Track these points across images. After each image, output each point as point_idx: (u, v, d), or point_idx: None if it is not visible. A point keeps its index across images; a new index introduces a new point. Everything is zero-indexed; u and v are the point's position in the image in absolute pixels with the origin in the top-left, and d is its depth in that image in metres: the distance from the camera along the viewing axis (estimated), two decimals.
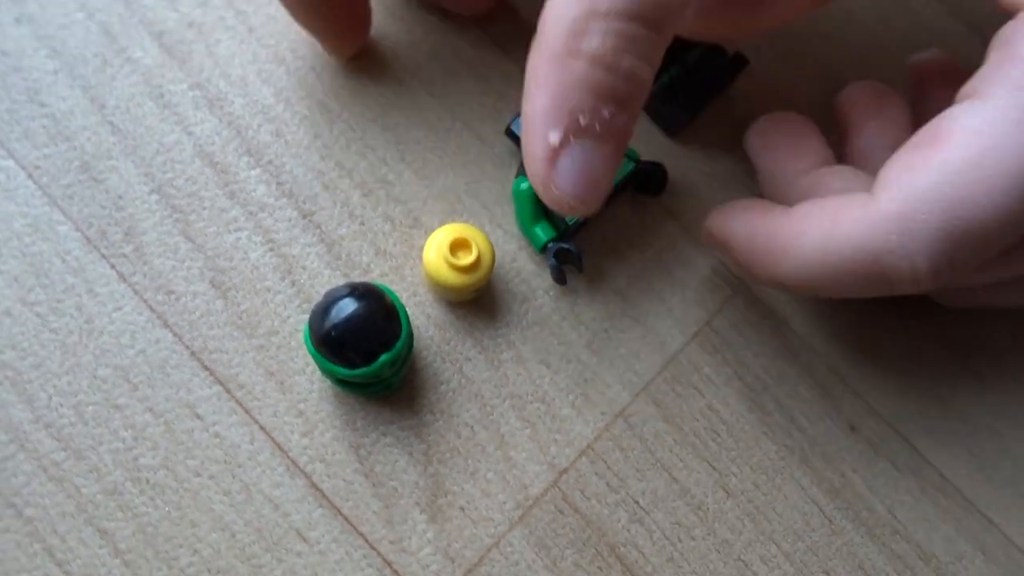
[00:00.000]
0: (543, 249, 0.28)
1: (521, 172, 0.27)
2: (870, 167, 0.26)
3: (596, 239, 0.29)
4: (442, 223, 0.28)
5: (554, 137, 0.21)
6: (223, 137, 0.29)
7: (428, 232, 0.28)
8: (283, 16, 0.30)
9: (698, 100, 0.29)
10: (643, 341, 0.28)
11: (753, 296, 0.29)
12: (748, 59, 0.29)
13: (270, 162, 0.29)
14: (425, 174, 0.29)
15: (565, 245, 0.27)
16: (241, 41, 0.29)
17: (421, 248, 0.28)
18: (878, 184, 0.22)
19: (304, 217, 0.28)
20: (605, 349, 0.28)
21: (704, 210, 0.28)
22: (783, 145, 0.27)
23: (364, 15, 0.28)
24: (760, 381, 0.29)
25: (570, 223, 0.27)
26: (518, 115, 0.27)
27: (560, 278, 0.28)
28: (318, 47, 0.29)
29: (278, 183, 0.28)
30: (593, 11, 0.20)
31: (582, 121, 0.21)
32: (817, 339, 0.29)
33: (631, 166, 0.28)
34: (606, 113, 0.21)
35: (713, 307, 0.29)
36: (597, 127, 0.21)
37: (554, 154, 0.21)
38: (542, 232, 0.27)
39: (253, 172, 0.28)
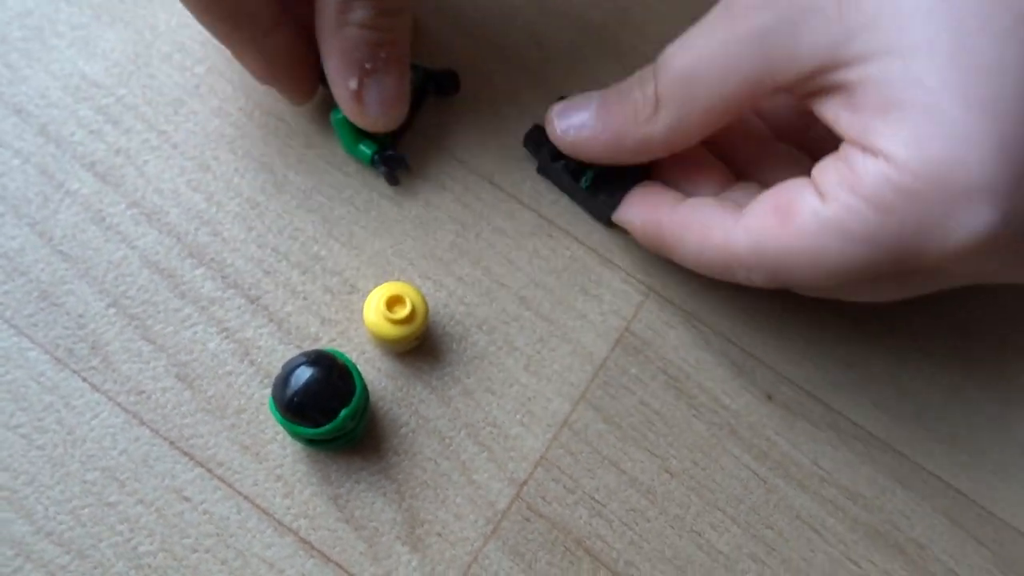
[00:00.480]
0: (372, 161, 0.32)
1: (335, 105, 0.31)
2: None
3: (519, 274, 0.32)
4: (376, 285, 0.31)
5: (352, 84, 0.29)
6: (165, 245, 0.32)
7: (365, 295, 0.31)
8: (202, 128, 0.33)
9: (619, 188, 0.32)
10: (572, 355, 0.32)
11: (662, 299, 0.33)
12: None
13: (212, 260, 0.32)
14: (353, 244, 0.32)
15: (389, 152, 0.32)
16: (167, 158, 0.33)
17: (361, 310, 0.31)
18: (745, 219, 0.27)
19: (252, 303, 0.31)
20: (540, 369, 0.32)
21: (604, 230, 0.32)
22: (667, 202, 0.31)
23: (313, 67, 0.31)
24: (682, 371, 0.32)
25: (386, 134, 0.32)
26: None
27: (393, 180, 0.33)
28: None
29: (223, 277, 0.31)
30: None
31: (367, 66, 0.29)
32: (724, 325, 0.33)
33: (419, 74, 0.33)
34: (382, 55, 0.29)
35: (628, 314, 0.33)
36: (379, 65, 0.29)
37: (357, 95, 0.30)
38: (366, 148, 0.32)
39: (198, 271, 0.31)
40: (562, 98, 0.32)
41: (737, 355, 0.33)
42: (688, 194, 0.31)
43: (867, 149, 0.24)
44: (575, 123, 0.31)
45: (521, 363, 0.32)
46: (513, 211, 0.34)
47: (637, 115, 0.29)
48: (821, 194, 0.25)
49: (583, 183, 0.32)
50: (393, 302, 0.29)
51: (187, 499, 0.29)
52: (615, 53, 0.36)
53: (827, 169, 0.25)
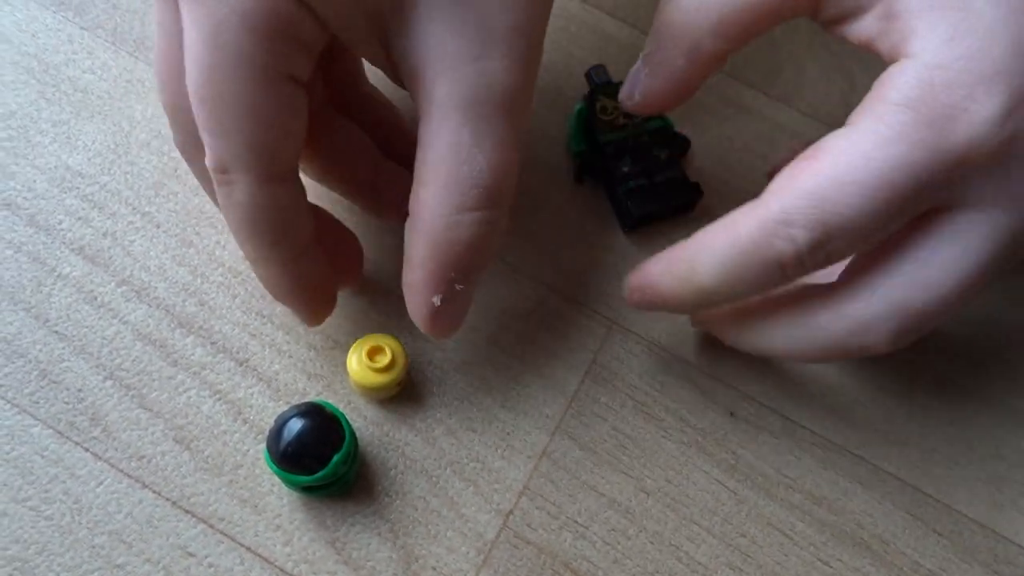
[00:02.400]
0: (574, 154, 0.37)
1: (582, 99, 0.37)
2: None
3: (491, 319, 0.35)
4: (356, 338, 0.33)
5: (436, 300, 0.28)
6: (155, 318, 0.34)
7: (347, 348, 0.33)
8: (182, 207, 0.35)
9: (650, 200, 0.35)
10: (545, 390, 0.34)
11: (624, 330, 0.35)
12: (702, 190, 0.36)
13: (201, 328, 0.34)
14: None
15: (588, 156, 0.37)
16: (152, 237, 0.35)
17: (344, 363, 0.33)
18: (767, 191, 0.27)
19: (240, 365, 0.33)
20: (517, 404, 0.34)
21: (565, 272, 0.35)
22: None
23: (332, 295, 0.32)
24: (648, 396, 0.34)
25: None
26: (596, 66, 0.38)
27: (579, 177, 0.37)
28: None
29: (212, 343, 0.33)
30: (461, 206, 0.27)
31: (457, 287, 0.28)
32: (684, 350, 0.35)
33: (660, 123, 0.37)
34: (473, 276, 0.28)
35: (594, 346, 0.35)
36: (467, 287, 0.28)
37: (436, 311, 0.28)
38: (576, 144, 0.37)
39: (188, 340, 0.33)
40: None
41: (698, 377, 0.35)
42: None
43: (902, 55, 0.26)
44: (631, 78, 0.32)
45: (498, 401, 0.34)
46: None
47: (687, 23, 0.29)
48: (849, 125, 0.26)
49: (621, 188, 0.36)
50: (374, 352, 0.32)
51: (192, 555, 0.31)
52: None
53: (854, 112, 0.26)
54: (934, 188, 0.25)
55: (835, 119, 0.39)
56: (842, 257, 0.27)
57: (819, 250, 0.26)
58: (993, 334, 0.37)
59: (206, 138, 0.26)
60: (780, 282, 0.27)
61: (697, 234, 0.29)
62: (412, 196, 0.28)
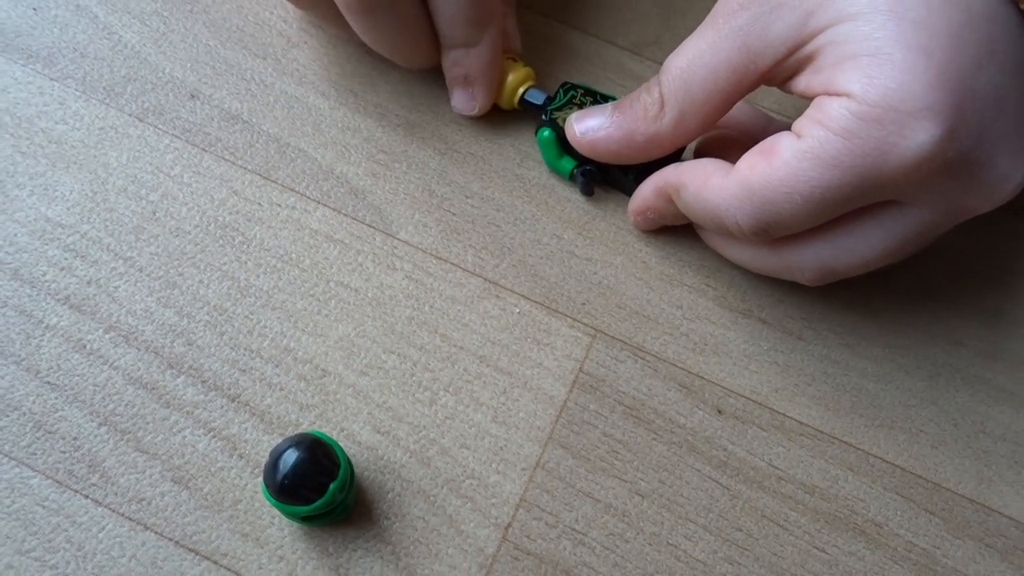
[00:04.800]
0: (571, 175, 0.38)
1: (542, 124, 0.37)
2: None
3: (475, 335, 0.35)
4: (345, 367, 0.33)
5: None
6: (145, 361, 0.34)
7: (336, 376, 0.33)
8: (163, 249, 0.36)
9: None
10: (536, 401, 0.35)
11: (608, 337, 0.36)
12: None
13: (191, 367, 0.34)
14: (319, 333, 0.35)
15: (588, 167, 0.37)
16: (135, 281, 0.35)
17: (335, 392, 0.33)
18: (736, 167, 0.32)
19: (232, 401, 0.34)
20: (508, 418, 0.34)
21: (548, 282, 0.35)
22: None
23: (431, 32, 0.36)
24: (636, 400, 0.35)
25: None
26: (531, 87, 0.38)
27: (588, 191, 0.38)
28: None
29: (203, 382, 0.34)
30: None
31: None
32: (669, 351, 0.36)
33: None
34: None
35: (580, 355, 0.35)
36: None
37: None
38: (566, 163, 0.38)
39: (179, 380, 0.34)
40: None
41: (684, 377, 0.35)
42: None
43: (832, 93, 0.29)
44: (592, 126, 0.35)
45: (489, 416, 0.34)
46: (460, 279, 0.36)
47: (646, 114, 0.34)
48: (798, 134, 0.30)
49: (630, 176, 0.37)
50: None
51: None
52: None
53: (803, 118, 0.30)
54: (864, 200, 0.30)
55: None
56: (787, 234, 0.32)
57: (761, 234, 0.31)
58: (968, 313, 0.38)
59: None
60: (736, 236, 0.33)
61: (682, 169, 0.34)
62: None
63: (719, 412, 0.35)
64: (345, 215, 0.37)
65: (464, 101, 0.38)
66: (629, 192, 0.38)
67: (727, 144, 0.36)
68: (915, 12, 0.28)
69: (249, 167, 0.38)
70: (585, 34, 0.42)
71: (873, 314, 0.37)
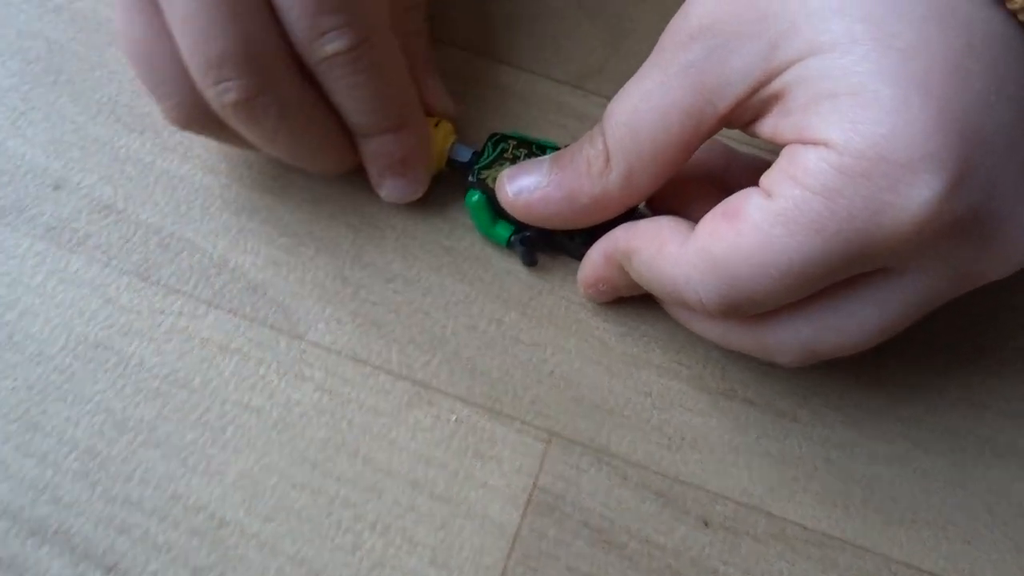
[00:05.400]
0: (508, 243, 0.32)
1: (470, 186, 0.31)
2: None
3: (404, 455, 0.29)
4: (247, 511, 0.27)
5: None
6: (1, 529, 0.28)
7: (237, 525, 0.27)
8: (23, 382, 0.29)
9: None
10: (482, 533, 0.28)
11: (566, 440, 0.30)
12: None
13: (56, 532, 0.28)
14: (213, 471, 0.29)
15: (527, 233, 0.31)
16: None
17: (235, 546, 0.27)
18: (695, 233, 0.26)
19: (109, 572, 0.27)
20: (449, 559, 0.28)
21: (488, 380, 0.29)
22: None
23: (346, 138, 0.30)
24: (604, 518, 0.29)
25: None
26: (455, 142, 0.32)
27: (530, 260, 0.32)
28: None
29: (71, 550, 0.28)
30: None
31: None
32: (639, 452, 0.30)
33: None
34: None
35: (533, 468, 0.29)
36: None
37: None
38: (502, 230, 0.32)
39: (43, 551, 0.28)
40: None
41: (659, 483, 0.29)
42: None
43: (806, 142, 0.24)
44: (527, 185, 0.30)
45: (426, 559, 0.28)
46: (383, 385, 0.30)
47: (590, 170, 0.28)
48: (767, 193, 0.24)
49: (577, 240, 0.31)
50: None
51: None
52: None
53: (771, 171, 0.25)
54: (853, 270, 0.24)
55: None
56: (742, 313, 0.26)
57: (728, 313, 0.26)
58: (989, 368, 0.32)
59: None
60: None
61: (634, 228, 0.28)
62: None
63: (705, 524, 0.29)
64: (242, 317, 0.31)
65: (402, 189, 0.32)
66: (578, 257, 0.32)
67: (681, 189, 0.30)
68: (903, 39, 0.22)
69: (125, 267, 0.32)
70: (514, 68, 0.36)
71: (877, 381, 0.31)
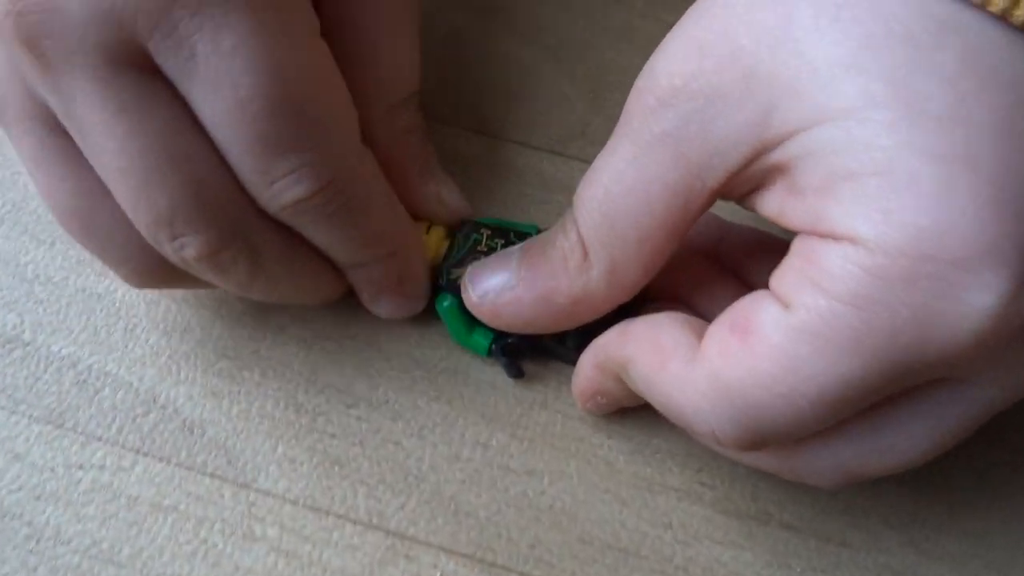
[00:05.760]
0: (489, 352, 0.27)
1: (439, 290, 0.27)
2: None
3: None
4: None
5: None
6: None
7: None
8: None
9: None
10: None
11: None
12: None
13: None
14: None
15: (510, 339, 0.27)
16: None
17: None
18: (701, 350, 0.22)
19: None
20: None
21: (472, 525, 0.24)
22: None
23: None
24: None
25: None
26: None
27: (515, 372, 0.27)
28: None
29: None
30: None
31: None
32: None
33: None
34: None
35: None
36: None
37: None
38: (481, 337, 0.27)
39: None
40: None
41: None
42: None
43: (826, 236, 0.19)
44: (493, 286, 0.25)
45: None
46: (350, 538, 0.26)
47: (566, 265, 0.24)
48: (783, 302, 0.20)
49: (569, 343, 0.27)
50: None
51: None
52: None
53: (785, 272, 0.21)
54: (899, 387, 0.20)
55: None
56: (763, 445, 0.22)
57: (751, 446, 0.21)
58: None
59: None
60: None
61: (627, 336, 0.24)
62: None
63: None
64: (177, 466, 0.26)
65: (400, 307, 0.27)
66: (572, 363, 0.27)
67: (674, 273, 0.26)
68: (938, 102, 0.18)
69: (36, 414, 0.27)
70: (488, 137, 0.31)
71: (935, 490, 0.27)
